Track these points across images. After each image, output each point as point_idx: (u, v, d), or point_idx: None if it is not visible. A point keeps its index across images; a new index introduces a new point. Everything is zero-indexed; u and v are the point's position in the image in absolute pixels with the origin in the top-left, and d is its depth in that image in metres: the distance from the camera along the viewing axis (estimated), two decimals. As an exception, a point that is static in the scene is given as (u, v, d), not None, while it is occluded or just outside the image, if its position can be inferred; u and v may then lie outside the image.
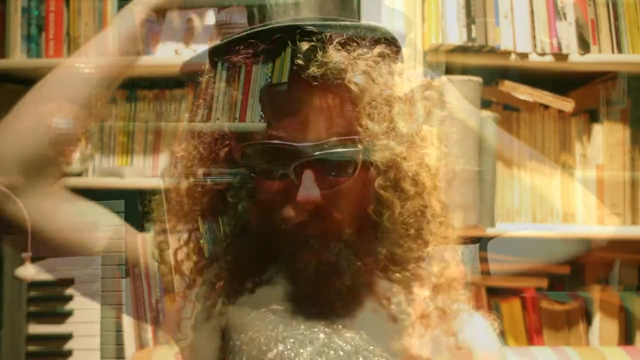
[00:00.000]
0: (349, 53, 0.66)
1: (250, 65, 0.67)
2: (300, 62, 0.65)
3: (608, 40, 1.52)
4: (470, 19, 1.48)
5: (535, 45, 1.50)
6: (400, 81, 0.69)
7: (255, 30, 0.68)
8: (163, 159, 1.73)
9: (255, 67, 0.67)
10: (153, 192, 0.77)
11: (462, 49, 1.50)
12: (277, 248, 0.69)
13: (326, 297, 0.67)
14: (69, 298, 1.52)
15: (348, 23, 0.68)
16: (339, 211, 0.67)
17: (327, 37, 0.65)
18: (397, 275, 0.70)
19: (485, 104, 1.54)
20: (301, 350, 0.63)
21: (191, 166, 0.73)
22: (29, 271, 0.88)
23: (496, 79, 1.56)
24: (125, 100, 1.77)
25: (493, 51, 1.50)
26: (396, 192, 0.67)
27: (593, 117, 1.59)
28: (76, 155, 1.66)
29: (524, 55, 1.51)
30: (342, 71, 0.65)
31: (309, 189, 0.65)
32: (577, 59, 1.50)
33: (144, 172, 1.72)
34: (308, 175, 0.65)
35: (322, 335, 0.64)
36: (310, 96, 0.66)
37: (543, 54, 1.50)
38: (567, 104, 1.53)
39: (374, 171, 0.67)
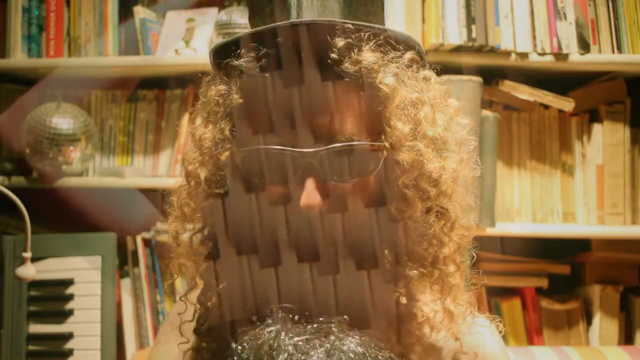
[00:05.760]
0: (382, 55, 0.67)
1: (268, 64, 0.67)
2: (335, 57, 0.65)
3: (608, 40, 1.52)
4: (470, 19, 1.48)
5: (535, 45, 1.50)
6: (426, 87, 0.70)
7: (285, 25, 0.66)
8: (163, 159, 1.73)
9: (275, 65, 0.67)
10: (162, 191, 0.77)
11: (462, 49, 1.50)
12: (280, 251, 0.69)
13: (332, 301, 0.67)
14: (69, 298, 1.52)
15: (382, 27, 0.69)
16: (349, 213, 0.67)
17: (363, 37, 0.66)
18: (410, 276, 0.70)
19: (485, 104, 1.54)
20: (311, 353, 0.62)
21: (192, 169, 0.72)
22: (29, 271, 0.88)
23: (496, 79, 1.56)
24: (125, 100, 1.77)
25: (493, 51, 1.50)
26: (418, 192, 0.67)
27: (593, 117, 1.59)
28: (76, 155, 1.66)
29: (524, 55, 1.51)
30: (375, 71, 0.66)
31: (313, 193, 0.64)
32: (577, 59, 1.50)
33: (144, 172, 1.72)
34: (311, 181, 0.65)
35: (332, 338, 0.64)
36: (337, 95, 0.66)
37: (543, 54, 1.50)
38: (567, 104, 1.53)
39: (397, 170, 0.67)
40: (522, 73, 1.57)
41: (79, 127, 1.66)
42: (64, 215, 1.61)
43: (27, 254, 0.87)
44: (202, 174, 0.71)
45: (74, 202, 1.64)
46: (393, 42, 0.68)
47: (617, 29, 1.52)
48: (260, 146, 0.66)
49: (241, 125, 0.69)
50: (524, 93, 1.54)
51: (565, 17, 1.50)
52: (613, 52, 1.52)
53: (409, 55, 0.69)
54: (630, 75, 1.59)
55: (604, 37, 1.52)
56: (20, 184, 1.68)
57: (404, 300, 0.71)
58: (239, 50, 0.68)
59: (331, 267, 0.67)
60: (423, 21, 1.52)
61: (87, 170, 1.75)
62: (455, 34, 1.48)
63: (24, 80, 1.80)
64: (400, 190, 0.67)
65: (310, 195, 0.64)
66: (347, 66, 0.65)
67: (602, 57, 1.52)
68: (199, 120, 0.73)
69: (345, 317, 0.65)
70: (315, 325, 0.64)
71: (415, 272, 0.69)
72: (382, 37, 0.67)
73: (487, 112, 1.49)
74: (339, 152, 0.65)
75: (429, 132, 0.68)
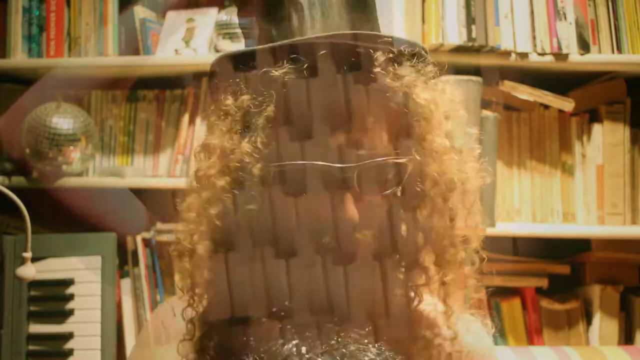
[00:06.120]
0: (415, 68, 0.68)
1: (306, 77, 0.65)
2: (377, 71, 0.65)
3: (608, 40, 1.52)
4: (470, 19, 1.48)
5: (535, 45, 1.50)
6: (448, 98, 0.71)
7: (321, 37, 0.66)
8: (163, 159, 1.73)
9: (307, 78, 0.65)
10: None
11: (462, 49, 1.50)
12: (301, 263, 0.67)
13: (351, 309, 0.67)
14: (69, 298, 1.52)
15: (412, 40, 0.70)
16: (376, 226, 0.68)
17: (404, 51, 0.67)
18: (442, 280, 0.70)
19: (485, 104, 1.54)
20: None
21: (214, 180, 0.68)
22: (30, 271, 0.88)
23: (496, 79, 1.56)
24: (125, 100, 1.77)
25: (493, 51, 1.50)
26: (447, 201, 0.69)
27: (593, 117, 1.59)
28: (76, 155, 1.66)
29: (524, 55, 1.51)
30: (414, 85, 0.67)
31: (353, 207, 0.65)
32: (577, 59, 1.50)
33: (144, 172, 1.72)
34: (350, 195, 0.65)
35: (352, 348, 0.64)
36: (375, 109, 0.67)
37: (543, 54, 1.50)
38: (567, 104, 1.53)
39: (429, 181, 0.68)
40: (522, 73, 1.57)
41: (79, 127, 1.66)
42: (64, 215, 1.61)
43: (27, 254, 0.87)
44: (225, 184, 0.67)
45: (74, 202, 1.64)
46: (423, 55, 0.69)
47: (617, 29, 1.52)
48: (300, 161, 0.65)
49: (275, 139, 0.66)
50: (524, 93, 1.54)
51: (565, 17, 1.50)
52: (613, 52, 1.52)
53: (431, 68, 0.70)
54: (630, 75, 1.59)
55: (604, 37, 1.52)
56: (20, 184, 1.68)
57: (416, 301, 0.72)
58: (273, 61, 0.66)
59: (363, 275, 0.67)
60: (423, 21, 1.52)
61: (87, 170, 1.75)
62: (455, 34, 1.48)
63: (24, 80, 1.80)
64: (432, 200, 0.68)
65: (351, 208, 0.65)
66: (389, 81, 0.66)
67: (602, 57, 1.52)
68: (217, 130, 0.69)
69: (368, 329, 0.65)
70: (332, 342, 0.64)
71: (447, 277, 0.70)
72: (417, 50, 0.68)
73: (487, 112, 1.49)
74: (376, 166, 0.66)
75: (457, 144, 0.69)
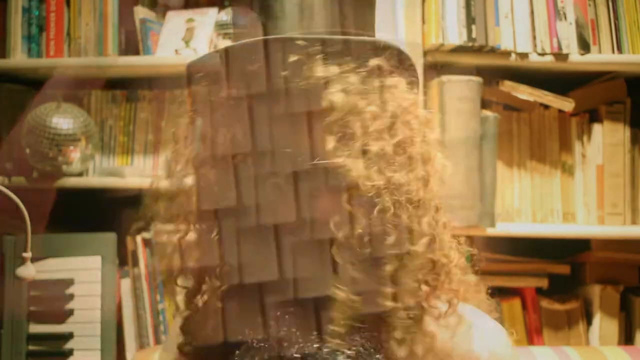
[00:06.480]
0: (338, 67, 0.64)
1: (233, 80, 0.68)
2: (285, 75, 0.64)
3: (608, 40, 1.52)
4: (470, 19, 1.48)
5: (535, 45, 1.50)
6: (391, 96, 0.67)
7: (242, 43, 0.67)
8: (163, 161, 1.73)
9: (238, 83, 0.67)
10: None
11: (462, 49, 1.50)
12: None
13: (326, 316, 0.66)
14: (69, 298, 1.52)
15: (340, 37, 0.66)
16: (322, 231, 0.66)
17: (317, 50, 0.64)
18: (396, 286, 0.68)
19: (485, 104, 1.54)
20: None
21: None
22: (30, 271, 0.88)
23: (496, 79, 1.56)
24: (125, 100, 1.77)
25: (493, 51, 1.50)
26: (369, 209, 0.65)
27: (593, 117, 1.59)
28: (76, 155, 1.66)
29: (524, 55, 1.51)
30: (322, 86, 0.64)
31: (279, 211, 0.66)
32: (577, 59, 1.50)
33: (144, 172, 1.72)
34: (275, 201, 0.66)
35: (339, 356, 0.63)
36: (293, 113, 0.66)
37: (543, 54, 1.50)
38: (567, 104, 1.53)
39: (351, 192, 0.65)
40: (522, 73, 1.57)
41: (79, 127, 1.66)
42: (64, 215, 1.61)
43: (27, 254, 0.87)
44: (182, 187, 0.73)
45: (74, 202, 1.64)
46: (364, 51, 0.66)
47: (617, 29, 1.52)
48: (218, 169, 0.69)
49: (203, 146, 0.71)
50: (524, 93, 1.54)
51: (565, 17, 1.50)
52: (613, 52, 1.52)
53: (372, 63, 0.66)
54: (630, 75, 1.59)
55: (604, 37, 1.52)
56: (20, 184, 1.68)
57: (399, 308, 0.69)
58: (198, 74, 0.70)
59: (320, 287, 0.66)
60: (423, 21, 1.52)
61: (87, 170, 1.75)
62: (455, 34, 1.47)
63: (24, 80, 1.80)
64: (365, 204, 0.65)
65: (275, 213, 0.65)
66: (298, 83, 0.64)
67: (602, 57, 1.52)
68: (171, 137, 0.75)
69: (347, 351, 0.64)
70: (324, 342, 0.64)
71: (413, 281, 0.67)
72: (340, 45, 0.65)
73: (487, 112, 1.49)
74: (301, 172, 0.65)
75: (373, 147, 0.65)
